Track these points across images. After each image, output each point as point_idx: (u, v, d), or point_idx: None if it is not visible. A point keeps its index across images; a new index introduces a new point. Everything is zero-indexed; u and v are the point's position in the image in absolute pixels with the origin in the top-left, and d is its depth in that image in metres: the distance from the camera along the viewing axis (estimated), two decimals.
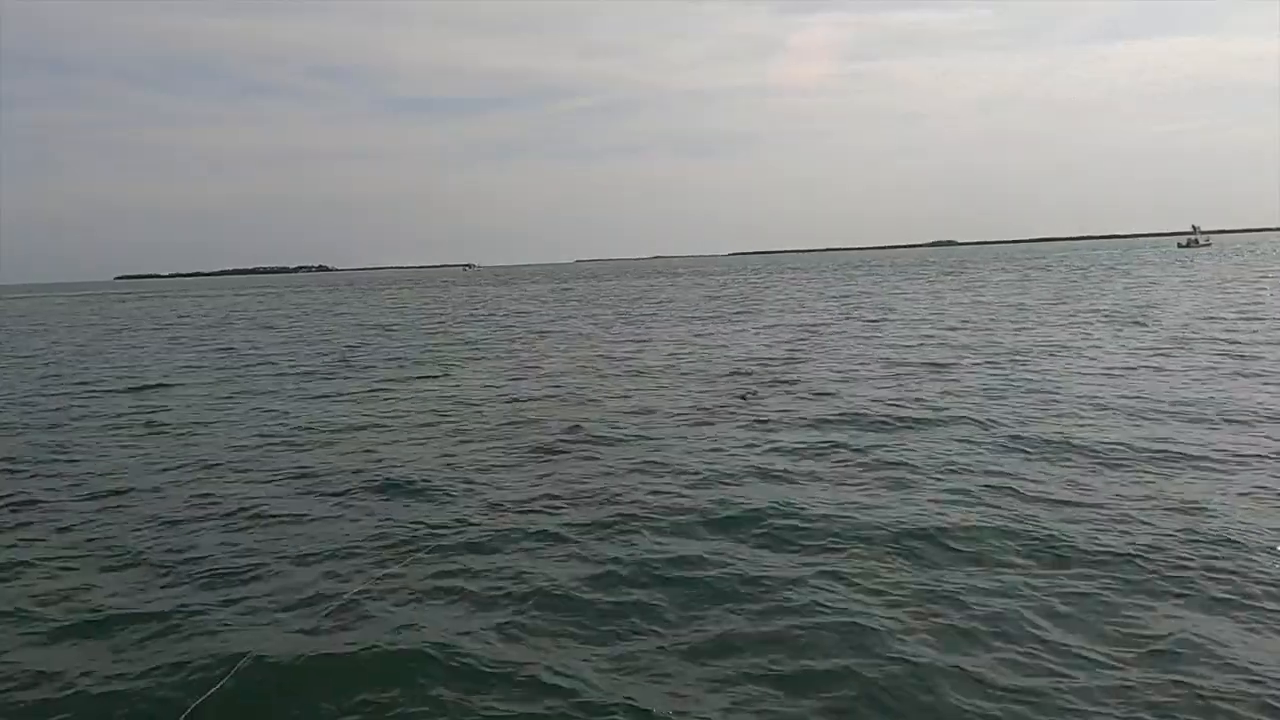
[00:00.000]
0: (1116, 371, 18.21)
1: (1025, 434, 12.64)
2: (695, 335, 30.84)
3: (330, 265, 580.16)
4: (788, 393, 17.30)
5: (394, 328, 41.30)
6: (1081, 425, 13.08)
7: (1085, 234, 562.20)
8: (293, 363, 26.73)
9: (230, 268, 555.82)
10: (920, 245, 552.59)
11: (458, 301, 68.69)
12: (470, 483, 11.21)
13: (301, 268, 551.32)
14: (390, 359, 26.68)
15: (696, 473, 11.25)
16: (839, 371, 20.05)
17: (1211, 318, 28.43)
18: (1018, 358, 20.79)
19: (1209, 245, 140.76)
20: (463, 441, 13.86)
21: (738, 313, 41.89)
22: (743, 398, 16.87)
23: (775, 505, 9.64)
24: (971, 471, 10.84)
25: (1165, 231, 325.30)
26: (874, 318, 35.04)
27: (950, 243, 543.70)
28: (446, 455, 12.91)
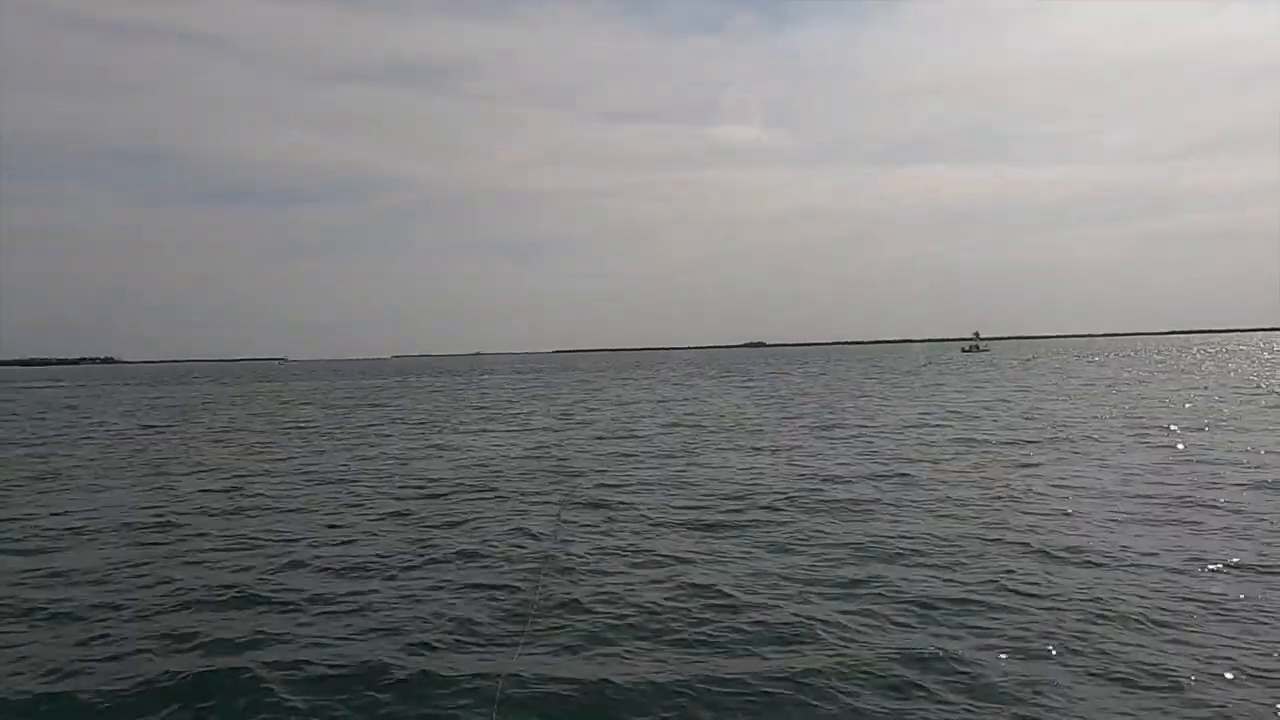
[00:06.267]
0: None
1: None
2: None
3: (119, 357, 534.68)
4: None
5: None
6: None
7: (883, 338, 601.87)
8: None
9: (2, 358, 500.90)
10: (733, 346, 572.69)
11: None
12: None
13: (84, 359, 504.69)
14: None
15: None
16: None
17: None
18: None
19: (988, 350, 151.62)
20: None
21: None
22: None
23: None
24: None
25: (953, 337, 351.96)
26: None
27: (760, 344, 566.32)
28: None
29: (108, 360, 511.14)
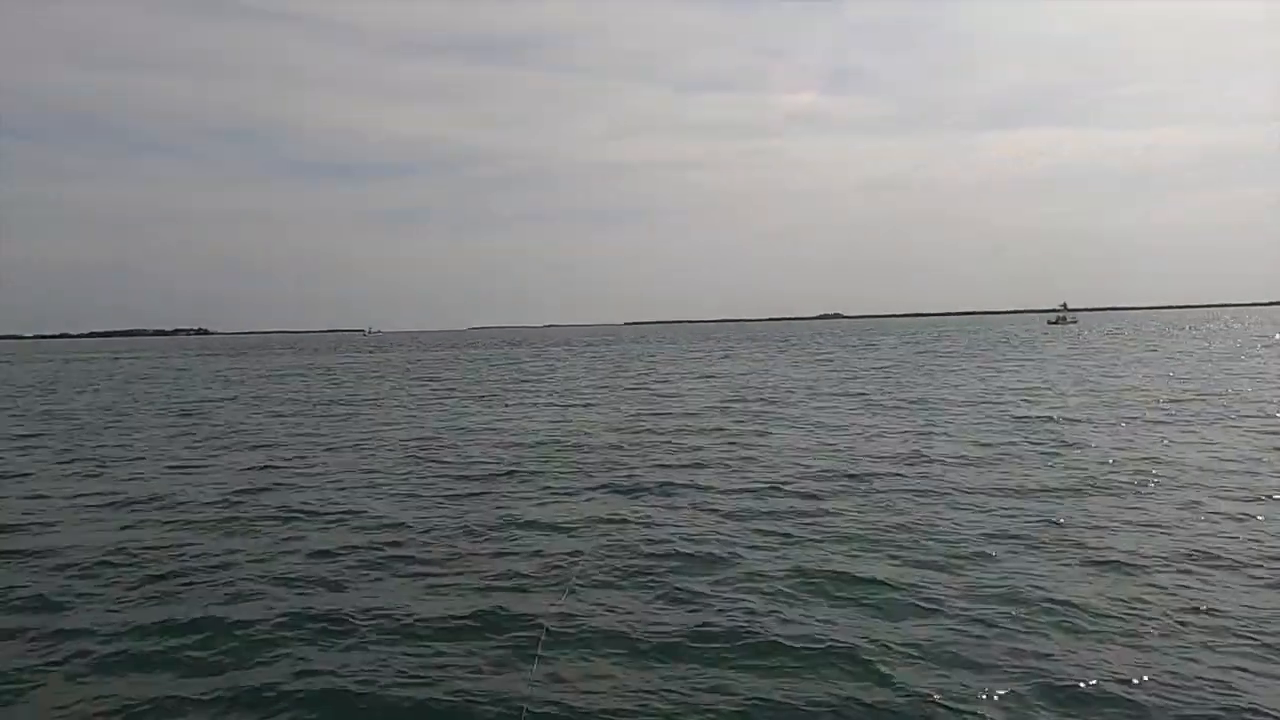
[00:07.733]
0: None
1: None
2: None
3: (210, 328, 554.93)
4: None
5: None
6: None
7: (965, 309, 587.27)
8: None
9: (101, 329, 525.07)
10: (810, 318, 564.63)
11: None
12: None
13: (179, 330, 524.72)
14: None
15: None
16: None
17: None
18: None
19: (1075, 322, 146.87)
20: None
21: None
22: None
23: None
24: None
25: (1038, 308, 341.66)
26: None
27: (838, 315, 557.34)
28: None
29: (200, 331, 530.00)
